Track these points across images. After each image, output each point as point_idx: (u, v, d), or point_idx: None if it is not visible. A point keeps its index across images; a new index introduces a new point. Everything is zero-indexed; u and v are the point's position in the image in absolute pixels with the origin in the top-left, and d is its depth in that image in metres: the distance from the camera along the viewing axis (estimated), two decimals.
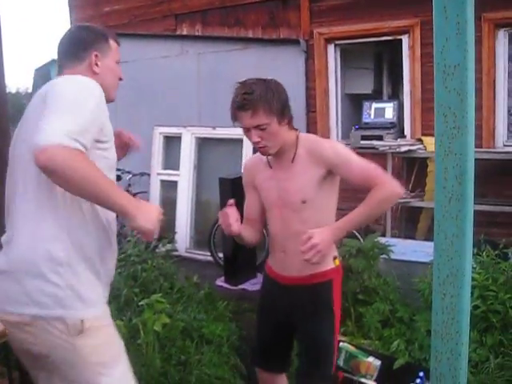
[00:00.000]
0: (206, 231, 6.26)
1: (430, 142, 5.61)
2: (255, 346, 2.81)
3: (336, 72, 6.61)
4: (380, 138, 6.17)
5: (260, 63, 6.37)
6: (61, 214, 1.81)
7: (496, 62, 5.56)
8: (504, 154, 5.52)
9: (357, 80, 6.86)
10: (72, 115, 1.70)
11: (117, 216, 1.99)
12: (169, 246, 5.87)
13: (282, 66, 6.25)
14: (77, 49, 2.05)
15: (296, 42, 6.49)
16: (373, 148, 5.85)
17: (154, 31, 7.55)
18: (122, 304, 3.87)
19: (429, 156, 5.56)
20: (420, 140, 5.84)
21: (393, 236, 5.77)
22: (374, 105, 6.62)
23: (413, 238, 5.89)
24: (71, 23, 8.54)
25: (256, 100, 2.31)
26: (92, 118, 1.77)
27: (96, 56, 2.04)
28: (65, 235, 1.81)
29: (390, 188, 2.33)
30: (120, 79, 2.17)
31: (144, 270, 4.51)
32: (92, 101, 1.81)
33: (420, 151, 5.73)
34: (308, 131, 6.03)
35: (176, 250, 6.21)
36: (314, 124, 6.65)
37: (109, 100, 2.03)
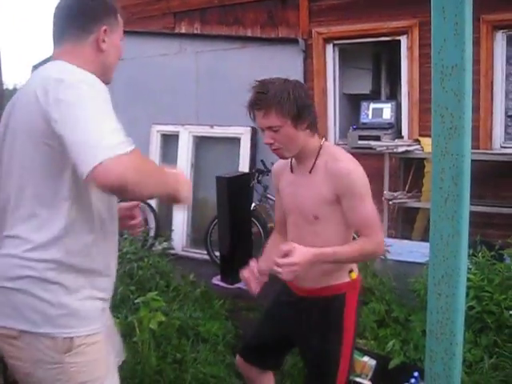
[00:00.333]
0: (203, 230, 6.26)
1: (427, 143, 5.61)
2: (248, 339, 2.78)
3: (334, 72, 6.60)
4: (378, 138, 6.17)
5: (258, 62, 6.37)
6: (56, 227, 1.67)
7: (494, 63, 5.57)
8: (501, 155, 5.53)
9: (355, 80, 6.86)
10: (102, 121, 1.56)
11: None
12: (165, 244, 5.88)
13: (281, 65, 6.24)
14: (85, 19, 1.81)
15: (295, 42, 6.48)
16: (370, 148, 5.86)
17: (152, 29, 7.54)
18: (117, 301, 3.86)
19: (426, 157, 5.57)
20: (417, 141, 5.85)
21: (389, 236, 5.78)
22: (372, 105, 6.62)
23: (409, 238, 5.90)
24: None
25: (269, 100, 2.21)
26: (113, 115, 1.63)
27: (105, 31, 1.82)
28: (58, 250, 1.68)
29: (378, 247, 2.31)
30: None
31: (140, 267, 4.51)
32: (106, 100, 1.65)
33: (417, 152, 5.74)
34: None
35: (172, 249, 6.22)
36: None
37: (106, 82, 1.83)
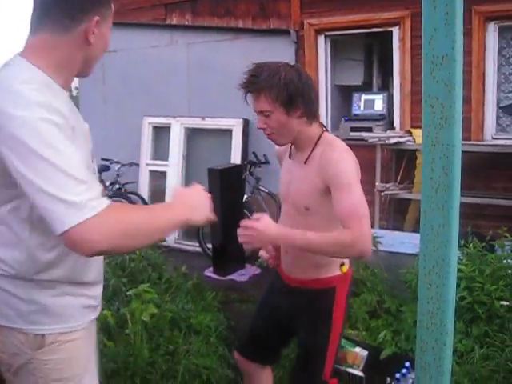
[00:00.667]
0: None
1: (419, 135, 5.62)
2: (245, 335, 2.78)
3: (326, 63, 6.60)
4: (369, 129, 6.18)
5: (250, 54, 6.33)
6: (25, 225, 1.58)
7: (486, 54, 5.57)
8: (492, 146, 5.54)
9: (347, 71, 6.86)
10: (65, 171, 1.38)
11: None
12: None
13: (272, 57, 6.12)
14: (75, 6, 1.56)
15: (286, 33, 6.47)
16: (362, 140, 5.86)
17: (143, 20, 7.50)
18: (110, 294, 3.86)
19: (418, 148, 5.57)
20: (409, 132, 5.86)
21: (381, 227, 5.79)
22: (364, 96, 6.63)
23: (401, 229, 5.92)
24: None
25: (259, 84, 2.18)
26: (72, 149, 1.44)
27: (97, 22, 1.58)
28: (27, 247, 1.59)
29: (358, 239, 2.07)
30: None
31: (132, 260, 4.50)
32: (67, 136, 1.45)
33: (409, 143, 5.75)
34: None
35: (164, 241, 6.20)
36: None
37: (85, 74, 1.70)
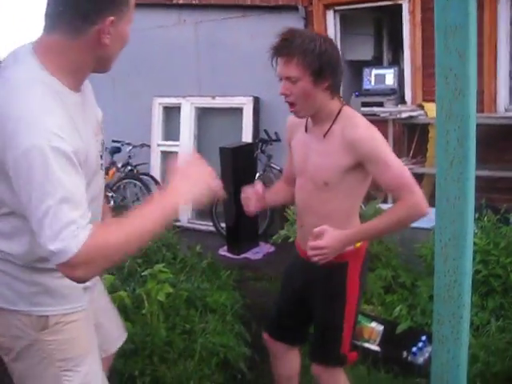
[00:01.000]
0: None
1: (431, 108, 5.56)
2: (272, 315, 2.76)
3: (335, 38, 6.51)
4: (381, 104, 6.13)
5: (258, 31, 6.29)
6: None
7: (498, 26, 5.48)
8: (505, 119, 5.48)
9: (357, 46, 6.78)
10: (57, 199, 1.38)
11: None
12: None
13: None
14: (88, 7, 1.46)
15: (295, 9, 6.39)
16: (373, 115, 5.81)
17: (149, 1, 7.45)
18: (125, 275, 3.88)
19: (430, 122, 5.52)
20: (421, 106, 5.80)
21: (394, 202, 5.77)
22: (375, 71, 6.56)
23: None
24: None
25: (293, 48, 2.11)
26: (75, 178, 1.45)
27: (112, 22, 1.48)
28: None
29: (413, 210, 2.16)
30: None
31: None
32: (63, 162, 1.42)
33: (421, 117, 5.69)
34: None
35: (178, 221, 6.23)
36: None
37: (103, 71, 1.66)
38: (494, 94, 5.63)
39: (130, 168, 7.07)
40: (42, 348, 1.69)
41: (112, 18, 1.48)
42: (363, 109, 6.14)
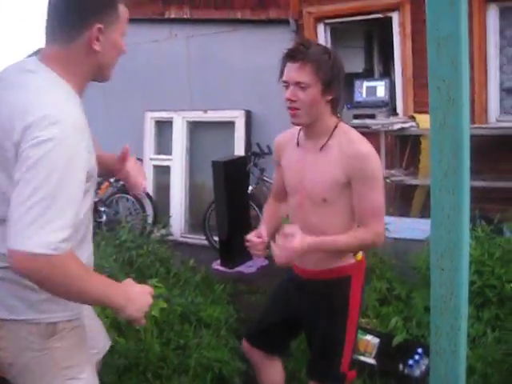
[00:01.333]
0: (201, 215, 6.25)
1: (422, 120, 5.58)
2: (254, 325, 2.73)
3: None
4: (372, 116, 6.14)
5: (250, 45, 6.32)
6: None
7: (487, 36, 5.52)
8: (497, 129, 5.50)
9: (348, 59, 6.79)
10: (56, 205, 1.44)
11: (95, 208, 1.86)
12: (163, 231, 5.87)
13: (272, 47, 6.15)
14: (75, 17, 1.58)
15: (285, 22, 6.41)
16: (365, 127, 5.81)
17: (141, 15, 7.45)
18: None
19: (422, 133, 5.53)
20: (412, 117, 5.81)
21: (387, 214, 5.74)
22: (366, 83, 6.58)
23: (407, 215, 5.88)
24: None
25: (309, 55, 2.13)
26: (79, 189, 1.53)
27: (99, 29, 1.59)
28: None
29: (377, 238, 2.24)
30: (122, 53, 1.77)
31: (139, 255, 4.49)
32: (79, 165, 1.52)
33: (413, 129, 5.70)
34: None
35: (171, 235, 6.20)
36: None
37: (103, 80, 1.75)
38: (485, 105, 5.65)
39: (122, 182, 7.03)
40: (49, 356, 1.70)
41: (99, 25, 1.59)
42: (355, 121, 6.15)
